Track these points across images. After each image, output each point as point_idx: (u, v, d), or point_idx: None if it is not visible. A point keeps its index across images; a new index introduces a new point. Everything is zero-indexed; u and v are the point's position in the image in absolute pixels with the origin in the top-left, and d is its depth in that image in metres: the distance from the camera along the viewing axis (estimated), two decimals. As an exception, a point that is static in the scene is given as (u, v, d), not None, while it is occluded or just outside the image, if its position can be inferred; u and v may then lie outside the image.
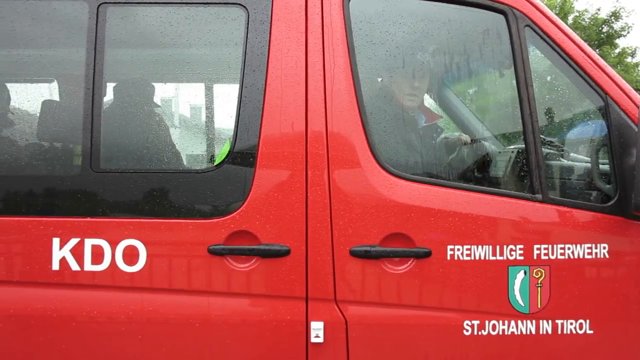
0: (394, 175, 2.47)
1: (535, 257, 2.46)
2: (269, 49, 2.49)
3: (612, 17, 23.95)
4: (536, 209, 2.49)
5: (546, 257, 2.47)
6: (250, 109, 2.47)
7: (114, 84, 2.60)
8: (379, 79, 2.73)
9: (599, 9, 24.28)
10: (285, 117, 2.47)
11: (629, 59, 24.44)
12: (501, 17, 2.56)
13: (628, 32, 24.85)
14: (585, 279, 2.51)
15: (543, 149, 2.54)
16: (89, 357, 2.46)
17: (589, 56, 2.53)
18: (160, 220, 2.45)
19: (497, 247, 2.46)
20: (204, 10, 2.54)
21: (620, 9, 23.96)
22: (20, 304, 2.45)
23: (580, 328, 2.49)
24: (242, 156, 2.46)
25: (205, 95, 2.73)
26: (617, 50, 24.09)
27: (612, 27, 23.99)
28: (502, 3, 2.55)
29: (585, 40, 2.53)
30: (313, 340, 2.44)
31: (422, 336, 2.48)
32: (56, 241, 2.44)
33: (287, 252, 2.44)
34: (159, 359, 2.46)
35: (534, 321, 2.48)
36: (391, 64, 2.69)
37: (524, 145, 2.52)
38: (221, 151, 2.67)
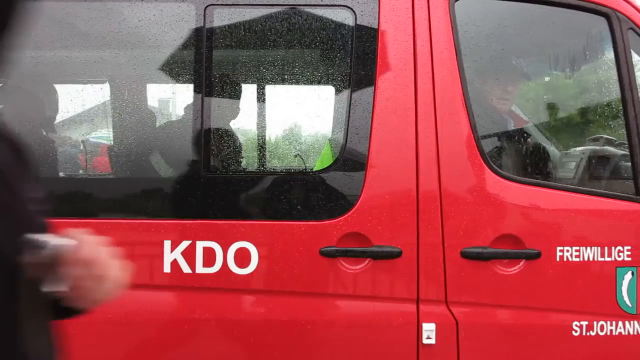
0: (503, 177, 2.48)
1: (643, 258, 2.49)
2: (377, 51, 2.50)
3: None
4: (643, 211, 2.51)
5: (654, 258, 2.49)
6: (360, 111, 2.48)
7: (223, 86, 2.59)
8: (484, 82, 2.74)
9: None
10: (395, 120, 2.48)
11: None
12: (603, 19, 2.58)
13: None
14: (691, 280, 2.53)
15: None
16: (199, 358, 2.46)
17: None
18: (272, 222, 2.45)
19: (605, 248, 2.48)
20: (311, 12, 2.54)
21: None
22: (133, 306, 2.43)
23: (687, 328, 2.51)
24: (353, 158, 2.47)
25: (314, 96, 2.73)
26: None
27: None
28: (605, 6, 2.57)
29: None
30: (425, 341, 2.45)
31: (531, 337, 2.50)
32: (167, 243, 2.43)
33: (398, 254, 2.44)
34: (270, 361, 2.46)
35: (641, 322, 2.50)
36: (494, 66, 2.70)
37: (628, 147, 2.54)
38: (323, 153, 2.68)
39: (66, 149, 2.51)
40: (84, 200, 2.47)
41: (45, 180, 2.57)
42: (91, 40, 2.52)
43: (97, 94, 2.80)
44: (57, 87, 2.67)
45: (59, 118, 2.61)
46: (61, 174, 2.51)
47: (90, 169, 2.56)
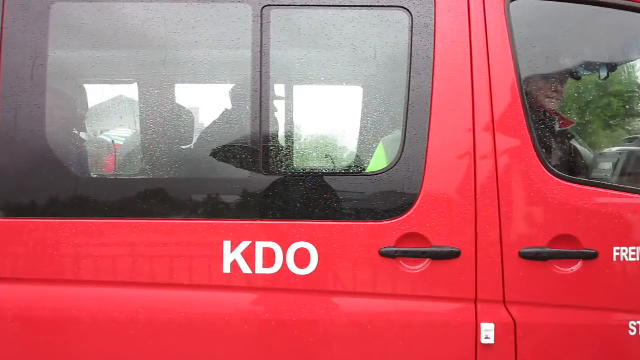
0: (560, 178, 2.49)
1: (698, 258, 2.50)
2: (434, 52, 2.50)
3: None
4: (698, 211, 2.52)
5: None
6: (418, 112, 2.48)
7: (280, 86, 2.59)
8: (539, 83, 2.75)
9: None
10: (453, 121, 2.48)
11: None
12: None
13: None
14: None
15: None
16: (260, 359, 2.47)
17: None
18: (332, 222, 2.45)
19: (662, 248, 2.49)
20: (367, 13, 2.54)
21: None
22: (192, 307, 2.44)
23: None
24: (412, 159, 2.47)
25: (371, 97, 2.73)
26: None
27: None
28: (658, 7, 2.58)
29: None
30: (483, 341, 2.46)
31: (588, 336, 2.51)
32: (227, 244, 2.43)
33: (457, 254, 2.45)
34: (330, 361, 2.47)
35: (696, 321, 2.51)
36: (549, 67, 2.72)
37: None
38: (377, 154, 2.68)
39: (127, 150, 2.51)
40: (144, 200, 2.47)
41: (106, 181, 2.58)
42: (148, 40, 2.52)
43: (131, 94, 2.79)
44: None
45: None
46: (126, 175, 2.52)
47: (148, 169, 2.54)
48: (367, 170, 2.66)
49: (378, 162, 2.67)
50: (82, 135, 2.62)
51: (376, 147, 2.70)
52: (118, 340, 2.43)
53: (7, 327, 2.42)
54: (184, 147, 2.55)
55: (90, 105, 2.71)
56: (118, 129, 2.78)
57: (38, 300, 2.44)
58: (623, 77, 2.90)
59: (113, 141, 2.70)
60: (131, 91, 2.69)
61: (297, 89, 2.72)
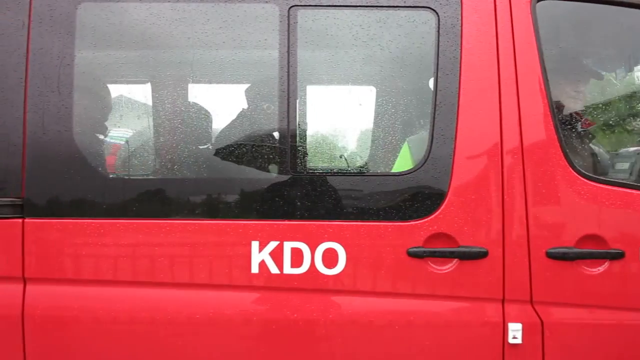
0: (586, 178, 2.49)
1: None
2: (460, 52, 2.51)
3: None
4: None
5: None
6: (445, 112, 2.49)
7: (308, 86, 2.59)
8: (565, 83, 2.75)
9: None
10: (480, 121, 2.49)
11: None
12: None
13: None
14: None
15: None
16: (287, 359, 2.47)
17: None
18: (359, 223, 2.46)
19: (688, 248, 2.50)
20: (394, 14, 2.54)
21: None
22: (219, 307, 2.44)
23: None
24: (439, 159, 2.47)
25: (397, 97, 2.73)
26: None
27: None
28: (684, 7, 2.59)
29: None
30: (511, 341, 2.46)
31: (615, 336, 2.51)
32: (255, 244, 2.44)
33: (485, 254, 2.45)
34: (358, 361, 2.47)
35: None
36: (575, 67, 2.72)
37: None
38: (402, 154, 2.68)
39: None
40: (173, 200, 2.47)
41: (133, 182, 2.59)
42: (174, 41, 2.53)
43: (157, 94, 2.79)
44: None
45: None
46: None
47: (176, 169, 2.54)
48: (392, 170, 2.67)
49: (403, 162, 2.67)
50: (109, 135, 2.63)
51: (401, 147, 2.71)
52: (142, 340, 2.43)
53: (34, 327, 2.41)
54: (211, 147, 2.55)
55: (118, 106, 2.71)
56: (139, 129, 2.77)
57: (66, 300, 2.44)
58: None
59: (128, 141, 2.70)
60: (157, 91, 2.69)
61: (324, 89, 2.72)
